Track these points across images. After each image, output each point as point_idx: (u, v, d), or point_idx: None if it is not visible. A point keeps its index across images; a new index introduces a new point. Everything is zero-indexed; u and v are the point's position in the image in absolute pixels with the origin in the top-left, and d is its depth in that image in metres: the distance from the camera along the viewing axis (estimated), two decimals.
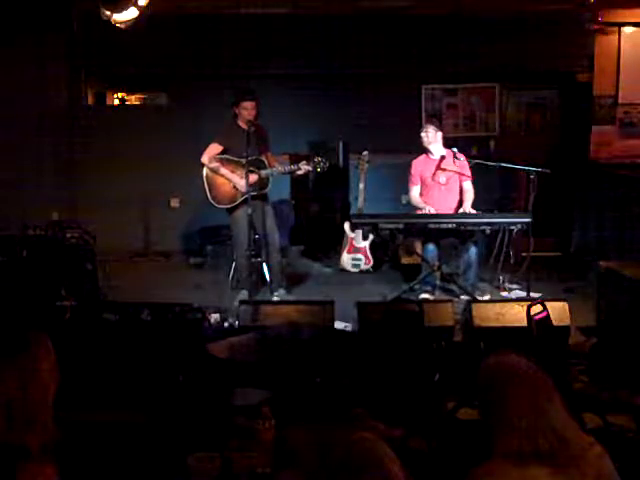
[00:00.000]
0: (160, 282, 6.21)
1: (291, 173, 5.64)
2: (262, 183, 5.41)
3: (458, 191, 5.77)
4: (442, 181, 5.75)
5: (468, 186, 5.75)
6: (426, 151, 5.80)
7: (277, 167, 5.51)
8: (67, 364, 1.92)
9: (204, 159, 5.47)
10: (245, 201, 5.36)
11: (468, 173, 5.75)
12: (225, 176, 5.46)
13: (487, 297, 5.48)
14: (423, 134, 5.78)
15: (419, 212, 5.68)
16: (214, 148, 5.50)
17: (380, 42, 7.42)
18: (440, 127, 5.93)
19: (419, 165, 5.82)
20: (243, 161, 5.32)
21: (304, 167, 5.44)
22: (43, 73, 7.33)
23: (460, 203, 5.75)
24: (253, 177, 5.37)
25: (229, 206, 5.50)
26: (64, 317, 4.25)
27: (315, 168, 5.43)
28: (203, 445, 2.34)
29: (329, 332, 4.11)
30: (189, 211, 7.59)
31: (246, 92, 5.46)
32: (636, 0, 7.05)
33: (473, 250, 5.48)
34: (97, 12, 4.96)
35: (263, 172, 5.40)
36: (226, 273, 5.89)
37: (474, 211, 5.60)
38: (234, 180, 5.44)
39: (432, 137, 5.73)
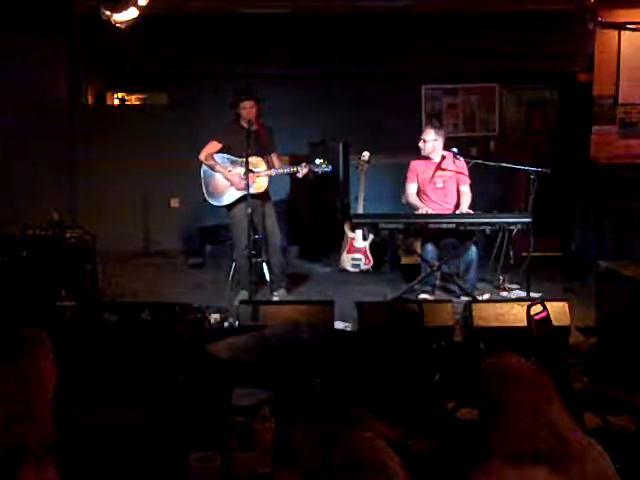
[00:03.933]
0: (160, 282, 6.22)
1: (291, 174, 5.61)
2: (259, 184, 5.39)
3: (455, 194, 5.76)
4: (439, 185, 5.74)
5: (466, 189, 5.74)
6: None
7: (276, 168, 5.50)
8: (67, 364, 1.92)
9: (201, 156, 5.50)
10: (243, 199, 5.37)
11: (466, 175, 5.74)
12: (221, 173, 5.47)
13: (487, 297, 5.48)
14: (421, 144, 5.69)
15: (418, 212, 5.67)
16: (212, 146, 5.51)
17: (380, 42, 7.43)
18: (442, 130, 5.82)
19: (418, 166, 5.81)
20: (240, 160, 5.35)
21: (304, 169, 5.41)
22: (43, 73, 7.33)
23: (457, 206, 5.74)
24: (251, 177, 5.37)
25: (224, 204, 5.51)
26: (64, 317, 4.25)
27: (316, 170, 5.41)
28: (203, 445, 2.34)
29: (329, 332, 4.11)
30: (189, 211, 7.60)
31: (244, 92, 5.46)
32: (636, 0, 7.05)
33: (473, 250, 5.48)
34: (97, 12, 4.96)
35: (262, 172, 5.39)
36: (226, 273, 5.89)
37: (470, 212, 5.60)
38: (230, 179, 5.44)
39: (430, 147, 5.65)
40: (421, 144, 5.71)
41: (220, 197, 5.51)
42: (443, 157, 5.68)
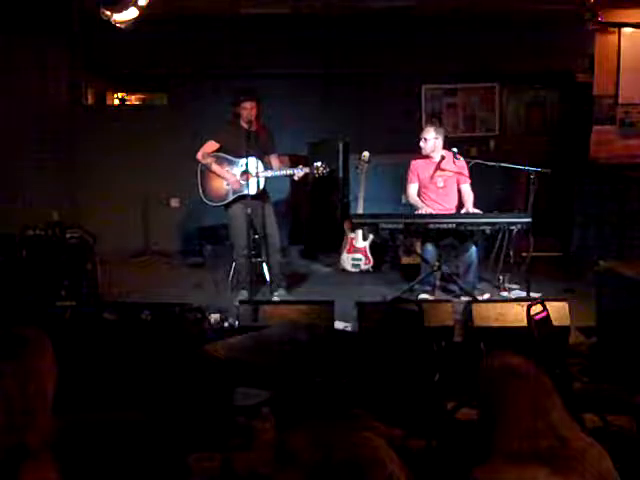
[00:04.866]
0: (160, 282, 6.22)
1: (288, 176, 5.59)
2: (255, 184, 5.36)
3: (456, 194, 5.77)
4: (440, 184, 5.74)
5: (467, 188, 5.74)
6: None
7: (274, 169, 5.49)
8: (67, 364, 1.92)
9: (198, 155, 5.50)
10: (239, 199, 5.37)
11: (467, 175, 5.74)
12: (216, 173, 5.47)
13: (487, 296, 5.49)
14: (422, 144, 5.68)
15: (418, 212, 5.67)
16: (210, 145, 5.51)
17: (380, 42, 7.43)
18: (442, 128, 5.83)
19: (418, 165, 5.81)
20: (237, 160, 5.36)
21: (301, 171, 5.40)
22: (43, 73, 7.33)
23: (459, 206, 5.74)
24: (247, 177, 5.37)
25: (220, 204, 5.51)
26: (64, 317, 4.25)
27: (313, 173, 5.40)
28: (203, 445, 2.34)
29: (329, 332, 4.11)
30: (189, 211, 7.60)
31: (245, 92, 5.45)
32: (636, 0, 7.04)
33: (473, 250, 5.48)
34: (97, 12, 4.96)
35: (258, 173, 5.38)
36: (226, 273, 5.89)
37: (477, 211, 5.59)
38: (225, 177, 5.44)
39: (431, 146, 5.65)
40: (422, 143, 5.70)
41: (216, 197, 5.51)
42: (443, 157, 5.68)
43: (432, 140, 5.66)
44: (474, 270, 5.53)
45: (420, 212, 5.64)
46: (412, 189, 5.83)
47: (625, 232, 6.37)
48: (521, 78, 7.94)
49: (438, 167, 5.70)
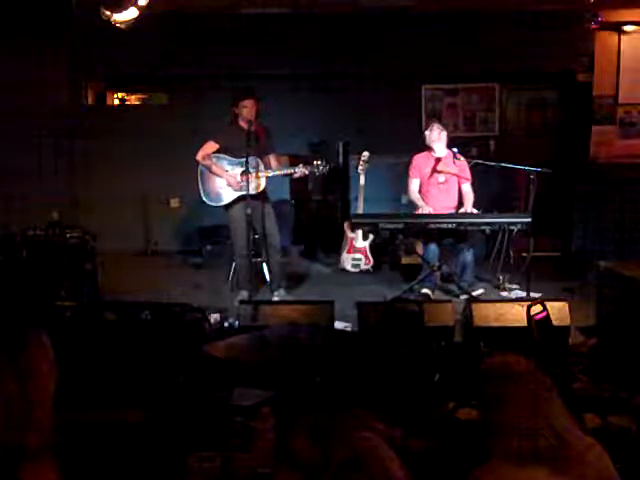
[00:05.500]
0: (160, 282, 6.21)
1: (288, 176, 5.60)
2: (256, 184, 5.38)
3: (457, 191, 5.76)
4: (441, 180, 5.74)
5: (467, 188, 5.74)
6: (429, 148, 5.78)
7: (273, 169, 5.49)
8: (67, 364, 1.92)
9: (198, 156, 5.49)
10: (241, 199, 5.37)
11: (468, 175, 5.73)
12: (216, 174, 5.47)
13: (481, 291, 5.53)
14: (427, 132, 5.73)
15: (418, 212, 5.67)
16: (209, 146, 5.51)
17: (380, 42, 7.43)
18: (445, 127, 5.88)
19: (420, 160, 5.81)
20: (237, 161, 5.36)
21: (301, 170, 5.40)
22: (43, 73, 7.33)
23: (459, 204, 5.74)
24: (247, 177, 5.37)
25: (220, 204, 5.51)
26: (64, 317, 4.25)
27: (314, 172, 5.41)
28: (203, 445, 2.34)
29: (329, 332, 4.11)
30: (189, 211, 7.60)
31: (245, 91, 5.46)
32: (636, 0, 7.05)
33: (469, 252, 5.50)
34: (97, 12, 4.97)
35: (259, 173, 5.38)
36: (226, 273, 5.89)
37: (476, 211, 5.59)
38: (225, 179, 5.44)
39: (436, 136, 5.68)
40: (427, 132, 5.72)
41: (217, 197, 5.51)
42: (439, 159, 5.69)
43: (437, 130, 5.68)
44: (470, 271, 5.56)
45: (420, 211, 5.64)
46: (414, 185, 5.82)
47: (625, 232, 6.38)
48: (521, 78, 7.94)
49: (440, 162, 5.69)
